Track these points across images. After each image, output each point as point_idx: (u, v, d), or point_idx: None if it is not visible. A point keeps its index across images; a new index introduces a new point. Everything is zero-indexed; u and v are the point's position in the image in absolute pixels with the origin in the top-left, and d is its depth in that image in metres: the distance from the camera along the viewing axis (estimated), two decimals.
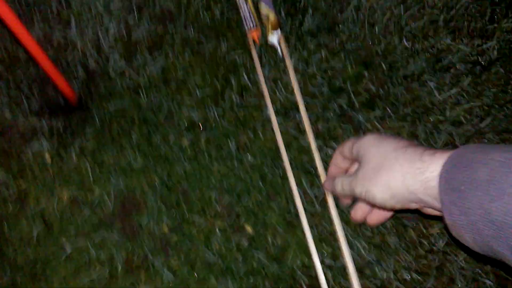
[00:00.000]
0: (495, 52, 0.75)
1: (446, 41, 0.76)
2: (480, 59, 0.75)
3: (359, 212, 0.58)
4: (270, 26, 0.75)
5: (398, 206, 0.46)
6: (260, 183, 0.67)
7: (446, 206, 0.38)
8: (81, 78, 0.73)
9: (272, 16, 0.76)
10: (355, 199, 0.60)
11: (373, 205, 0.56)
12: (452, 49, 0.75)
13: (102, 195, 0.65)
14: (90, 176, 0.66)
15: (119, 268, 0.62)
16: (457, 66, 0.74)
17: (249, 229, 0.65)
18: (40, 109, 0.71)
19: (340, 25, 0.77)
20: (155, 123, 0.70)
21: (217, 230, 0.64)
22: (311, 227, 0.64)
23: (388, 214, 0.57)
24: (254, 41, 0.76)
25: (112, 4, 0.79)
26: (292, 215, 0.65)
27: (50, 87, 0.73)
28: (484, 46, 0.75)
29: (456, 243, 0.63)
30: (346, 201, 0.62)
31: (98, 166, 0.67)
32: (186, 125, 0.70)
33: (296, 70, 0.74)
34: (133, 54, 0.75)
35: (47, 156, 0.68)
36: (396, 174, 0.43)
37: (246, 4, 0.77)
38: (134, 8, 0.78)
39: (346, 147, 0.55)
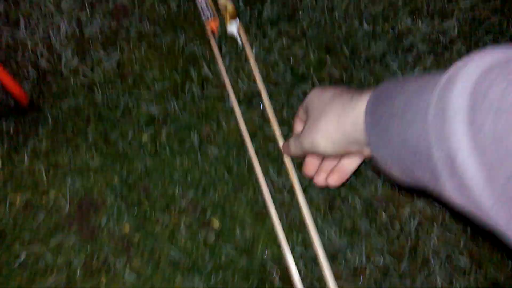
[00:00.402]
0: (455, 31, 0.74)
1: (406, 22, 0.75)
2: (441, 38, 0.74)
3: (309, 165, 0.58)
4: (228, 16, 0.73)
5: (341, 151, 0.46)
6: (226, 175, 0.64)
7: (372, 140, 0.38)
8: (33, 78, 0.70)
9: (230, 6, 0.74)
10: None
11: (322, 157, 0.56)
12: (412, 30, 0.75)
13: (58, 198, 0.62)
14: (44, 178, 0.63)
15: (78, 272, 0.58)
16: (419, 46, 0.73)
17: (216, 223, 0.62)
18: None
19: (300, 12, 0.76)
20: (112, 120, 0.67)
21: (182, 226, 0.61)
22: (280, 216, 0.62)
23: (348, 171, 0.56)
24: (212, 32, 0.74)
25: (63, 2, 0.76)
26: (260, 206, 0.63)
27: None
28: (444, 25, 0.75)
29: (387, 178, 0.62)
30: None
31: (52, 168, 0.63)
32: (145, 120, 0.67)
33: (257, 59, 0.72)
34: (86, 51, 0.72)
35: None
36: (332, 118, 0.44)
37: None
38: (86, 4, 0.75)
39: (300, 110, 0.56)
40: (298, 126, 0.58)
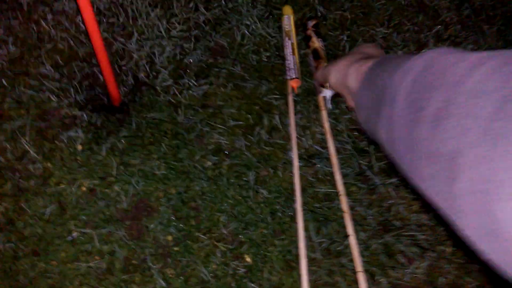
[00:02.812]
0: None
1: None
2: None
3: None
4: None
5: (340, 87, 0.47)
6: (269, 218, 0.69)
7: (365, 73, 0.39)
8: (129, 85, 0.79)
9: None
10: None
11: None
12: None
13: (120, 193, 0.68)
14: (114, 172, 0.70)
15: (117, 264, 0.63)
16: None
17: (248, 259, 0.66)
18: (84, 103, 0.76)
19: None
20: (185, 140, 0.74)
21: (218, 252, 0.66)
22: (308, 272, 0.65)
23: None
24: (292, 90, 0.81)
25: (173, 30, 0.86)
26: (293, 257, 0.67)
27: (99, 86, 0.78)
28: None
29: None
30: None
31: (123, 166, 0.71)
32: (213, 148, 0.74)
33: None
34: (180, 75, 0.81)
35: (79, 145, 0.72)
36: (344, 61, 0.46)
37: (293, 57, 0.83)
38: (192, 37, 0.85)
39: None
40: None
